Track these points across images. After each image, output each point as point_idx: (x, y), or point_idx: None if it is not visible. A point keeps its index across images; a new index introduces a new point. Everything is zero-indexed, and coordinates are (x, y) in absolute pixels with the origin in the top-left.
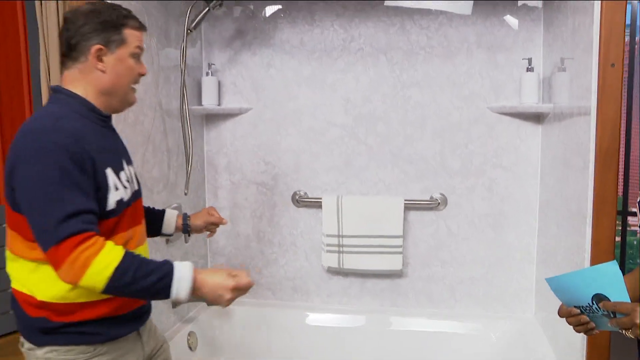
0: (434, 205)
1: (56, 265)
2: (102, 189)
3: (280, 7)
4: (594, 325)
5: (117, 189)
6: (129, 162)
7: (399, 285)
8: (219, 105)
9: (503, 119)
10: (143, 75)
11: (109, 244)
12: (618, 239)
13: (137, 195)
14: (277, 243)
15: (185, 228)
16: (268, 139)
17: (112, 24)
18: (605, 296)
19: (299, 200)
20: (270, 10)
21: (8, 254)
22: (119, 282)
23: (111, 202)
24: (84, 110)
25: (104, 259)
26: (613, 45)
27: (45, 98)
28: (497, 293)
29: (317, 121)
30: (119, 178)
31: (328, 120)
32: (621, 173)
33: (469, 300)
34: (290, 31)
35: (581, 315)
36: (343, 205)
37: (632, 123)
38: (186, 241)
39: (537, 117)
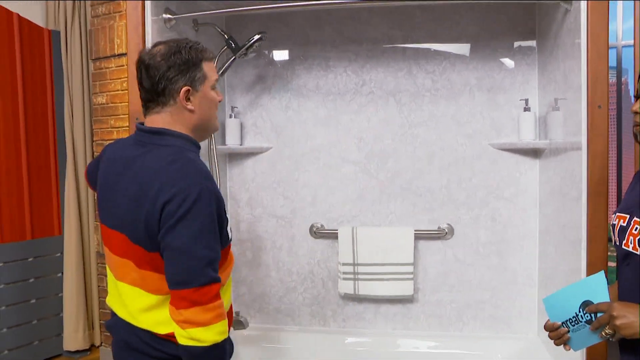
0: (442, 234)
1: (188, 304)
2: (225, 224)
3: (297, 54)
4: (568, 336)
5: (227, 222)
6: None
7: (411, 310)
8: (241, 144)
9: (503, 154)
10: (220, 101)
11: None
12: (613, 264)
13: None
14: (295, 272)
15: None
16: (287, 175)
17: (193, 62)
18: (591, 302)
19: (316, 232)
20: (287, 57)
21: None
22: (222, 351)
23: (229, 232)
24: (193, 147)
25: (224, 326)
26: (599, 89)
27: (69, 126)
28: (502, 315)
29: (332, 158)
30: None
31: (342, 157)
32: (614, 201)
33: (475, 322)
34: (307, 76)
35: (561, 328)
36: (358, 235)
37: (622, 155)
38: None
39: (534, 152)
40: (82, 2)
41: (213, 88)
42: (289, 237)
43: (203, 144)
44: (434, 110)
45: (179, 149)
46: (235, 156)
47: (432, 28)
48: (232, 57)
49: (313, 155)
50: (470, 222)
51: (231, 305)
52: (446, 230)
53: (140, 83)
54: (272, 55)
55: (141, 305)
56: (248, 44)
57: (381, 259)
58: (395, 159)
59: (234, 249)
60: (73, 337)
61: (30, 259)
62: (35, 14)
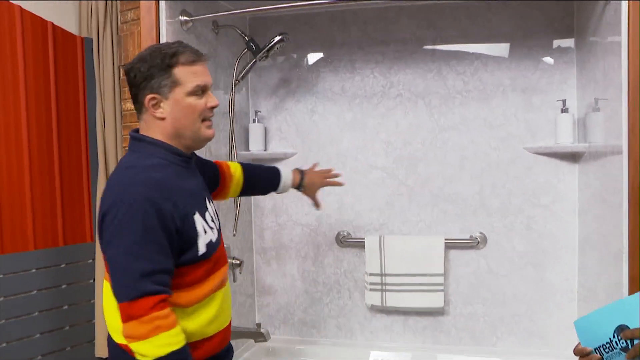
0: (474, 243)
1: (125, 318)
2: (192, 237)
3: (322, 56)
4: None
5: (205, 232)
6: (209, 199)
7: (441, 323)
8: (265, 150)
9: (540, 159)
10: (213, 107)
11: (179, 327)
12: None
13: (220, 230)
14: (321, 282)
15: (299, 187)
16: None
17: (159, 68)
18: (627, 326)
19: (343, 241)
20: (312, 59)
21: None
22: None
23: (201, 247)
24: (169, 154)
25: (169, 338)
26: None
27: (100, 132)
28: (538, 330)
29: (359, 164)
30: (205, 220)
31: (370, 162)
32: None
33: (510, 337)
34: (332, 79)
35: (593, 355)
36: (385, 244)
37: None
38: (234, 280)
39: (573, 157)
40: (113, 9)
41: (195, 94)
42: (314, 246)
43: (223, 150)
44: (466, 113)
45: (143, 156)
46: (260, 162)
47: (463, 27)
48: (253, 60)
49: (339, 161)
50: (505, 231)
51: (230, 322)
52: (479, 239)
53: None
54: (297, 58)
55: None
56: (268, 46)
57: (410, 269)
58: (424, 164)
59: (257, 257)
60: (104, 344)
61: (62, 265)
62: (69, 22)
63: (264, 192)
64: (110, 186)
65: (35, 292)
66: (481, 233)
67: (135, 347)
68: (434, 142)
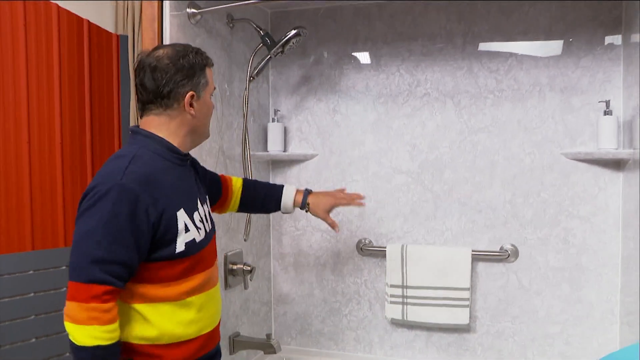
0: (504, 256)
1: (68, 297)
2: (169, 233)
3: (345, 52)
4: None
5: (187, 230)
6: (204, 201)
7: (467, 340)
8: (284, 151)
9: (579, 165)
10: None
11: (116, 324)
12: None
13: (211, 234)
14: (340, 292)
15: (303, 207)
16: (333, 186)
17: (200, 67)
18: None
19: (363, 249)
20: (335, 55)
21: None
22: (88, 355)
23: (180, 245)
24: (162, 150)
25: (101, 332)
26: None
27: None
28: (574, 353)
29: (382, 167)
30: (192, 219)
31: (394, 166)
32: None
33: None
34: (356, 77)
35: None
36: (408, 254)
37: None
38: (246, 287)
39: (616, 164)
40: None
41: (211, 95)
42: (334, 253)
43: (237, 150)
44: (498, 114)
45: (134, 148)
46: (278, 164)
47: (497, 21)
48: (266, 55)
49: (361, 164)
50: (538, 244)
51: (215, 328)
52: (509, 252)
53: (141, 84)
54: (319, 54)
55: None
56: (283, 40)
57: (434, 282)
58: (452, 169)
59: (275, 263)
60: None
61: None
62: (107, 20)
63: (266, 210)
64: (98, 173)
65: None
66: (512, 245)
67: (69, 327)
68: (463, 145)
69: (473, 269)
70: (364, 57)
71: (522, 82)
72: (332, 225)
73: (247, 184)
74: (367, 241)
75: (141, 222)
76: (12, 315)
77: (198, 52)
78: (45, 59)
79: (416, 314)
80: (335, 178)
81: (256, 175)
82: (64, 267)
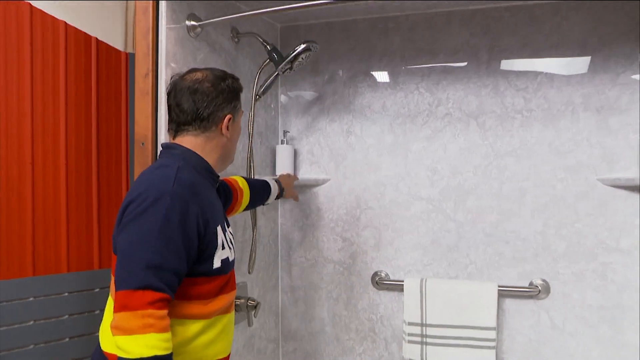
0: (534, 293)
1: (118, 307)
2: (209, 247)
3: (360, 69)
4: None
5: (223, 247)
6: (229, 224)
7: None
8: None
9: (618, 193)
10: None
11: (170, 334)
12: None
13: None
14: (354, 329)
15: (280, 195)
16: (347, 213)
17: (237, 91)
18: None
19: (380, 282)
20: (349, 72)
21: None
22: None
23: (217, 261)
24: (201, 167)
25: (158, 341)
26: None
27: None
28: None
29: (400, 194)
30: (225, 237)
31: (412, 193)
32: None
33: None
34: (372, 95)
35: None
36: (427, 289)
37: None
38: (250, 324)
39: None
40: None
41: (240, 119)
42: (347, 287)
43: (241, 174)
44: (527, 136)
45: (175, 160)
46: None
47: (526, 34)
48: (274, 72)
49: (377, 190)
50: (573, 279)
51: (228, 356)
52: (540, 287)
53: (177, 106)
54: (332, 71)
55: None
56: (292, 55)
57: (456, 320)
58: (477, 196)
59: (283, 297)
60: None
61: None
62: (116, 37)
63: (258, 205)
64: (140, 181)
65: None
66: (543, 281)
67: (120, 341)
68: (489, 170)
69: (500, 306)
70: (380, 74)
71: (553, 101)
72: (297, 197)
73: (249, 182)
74: (383, 274)
75: (191, 231)
76: (10, 345)
77: (234, 77)
78: (52, 78)
79: (436, 355)
80: (348, 205)
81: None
82: (66, 294)
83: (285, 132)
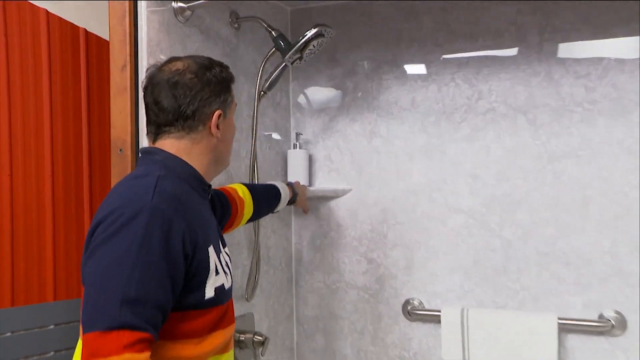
0: (606, 327)
1: (90, 355)
2: (200, 273)
3: (385, 58)
4: None
5: (217, 272)
6: (224, 243)
7: None
8: (309, 185)
9: None
10: None
11: None
12: None
13: (232, 282)
14: None
15: (293, 200)
16: (372, 229)
17: (228, 81)
18: None
19: (412, 312)
20: (372, 62)
21: None
22: None
23: (210, 289)
24: (187, 176)
25: None
26: None
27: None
28: None
29: (435, 205)
30: (219, 260)
31: (449, 204)
32: None
33: None
34: (399, 89)
35: None
36: (470, 321)
37: None
38: (262, 354)
39: None
40: None
41: (233, 115)
42: (374, 318)
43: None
44: (589, 134)
45: (156, 168)
46: None
47: (585, 10)
48: (281, 63)
49: (408, 201)
50: None
51: None
52: (613, 321)
53: (156, 103)
54: (352, 61)
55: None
56: (301, 41)
57: (505, 359)
58: (528, 207)
59: (299, 329)
60: None
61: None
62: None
63: (265, 213)
64: (113, 195)
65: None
66: (617, 313)
67: None
68: (542, 175)
69: (561, 343)
70: (409, 64)
71: (624, 89)
72: (307, 209)
73: (252, 188)
74: (416, 302)
75: (177, 254)
76: None
77: (222, 65)
78: (32, 74)
79: None
80: (374, 219)
81: (274, 217)
82: (51, 327)
83: (298, 135)
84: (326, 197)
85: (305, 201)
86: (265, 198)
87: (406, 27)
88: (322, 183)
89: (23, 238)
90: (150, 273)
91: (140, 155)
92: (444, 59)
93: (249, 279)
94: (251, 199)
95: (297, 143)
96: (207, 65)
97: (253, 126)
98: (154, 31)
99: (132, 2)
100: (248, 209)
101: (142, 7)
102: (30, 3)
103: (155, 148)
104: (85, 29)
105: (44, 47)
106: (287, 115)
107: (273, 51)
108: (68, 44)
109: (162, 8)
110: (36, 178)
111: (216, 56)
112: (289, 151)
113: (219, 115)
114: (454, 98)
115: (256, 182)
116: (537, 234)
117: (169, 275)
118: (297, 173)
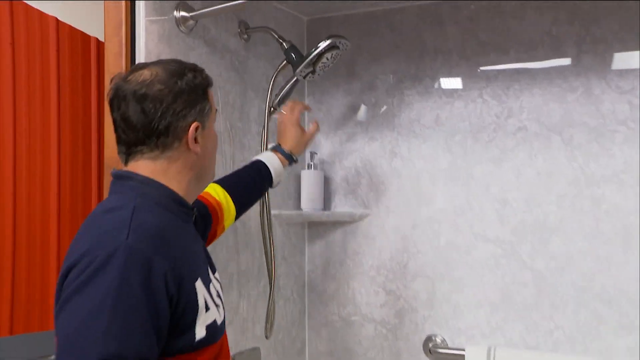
0: None
1: None
2: (188, 313)
3: (407, 71)
4: None
5: (207, 308)
6: (214, 269)
7: None
8: (324, 209)
9: None
10: None
11: None
12: None
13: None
14: None
15: (290, 159)
16: (391, 258)
17: (203, 88)
18: None
19: (433, 350)
20: (393, 76)
21: None
22: None
23: (200, 329)
24: (167, 201)
25: None
26: None
27: None
28: None
29: (460, 233)
30: (209, 293)
31: (476, 232)
32: None
33: None
34: (422, 105)
35: None
36: None
37: None
38: None
39: None
40: None
41: (214, 123)
42: (392, 355)
43: (253, 209)
44: (633, 156)
45: (130, 197)
46: (317, 227)
47: (629, 17)
48: (292, 77)
49: (430, 228)
50: None
51: None
52: None
53: (124, 120)
54: (371, 75)
55: None
56: (313, 54)
57: None
58: (563, 236)
59: None
60: None
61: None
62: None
63: (258, 197)
64: (83, 235)
65: None
66: None
67: None
68: (579, 201)
69: None
70: (433, 78)
71: None
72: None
73: (226, 184)
74: (438, 339)
75: (160, 298)
76: None
77: (196, 68)
78: (40, 86)
79: None
80: (393, 246)
81: (286, 242)
82: (52, 357)
83: (312, 154)
84: (342, 222)
85: (304, 145)
86: (249, 186)
87: (430, 38)
88: (338, 207)
89: (25, 266)
90: (131, 325)
91: (112, 180)
92: (471, 72)
93: (267, 316)
94: (229, 197)
95: (312, 163)
96: (178, 72)
97: (262, 144)
98: (153, 43)
99: (128, 10)
100: (229, 209)
101: (141, 16)
102: (40, 11)
103: (128, 172)
104: (97, 39)
105: (52, 57)
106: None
107: (284, 64)
108: (79, 54)
109: (162, 18)
110: (41, 200)
111: (221, 69)
112: (302, 172)
113: (197, 128)
114: (481, 115)
115: (267, 206)
116: (574, 267)
117: (152, 325)
118: (311, 195)
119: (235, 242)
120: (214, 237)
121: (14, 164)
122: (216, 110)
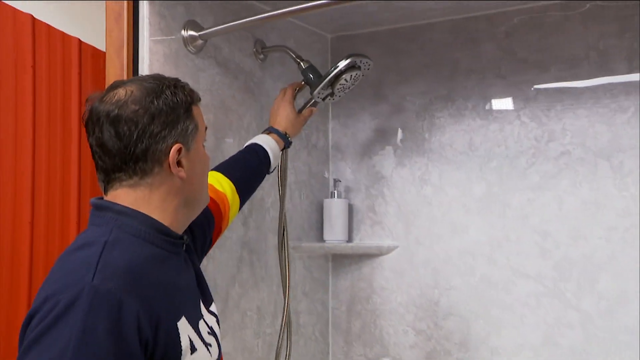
0: None
1: None
2: (169, 355)
3: (438, 91)
4: None
5: (194, 349)
6: (209, 301)
7: None
8: (349, 241)
9: None
10: None
11: None
12: None
13: (220, 352)
14: None
15: (286, 140)
16: (421, 294)
17: (185, 107)
18: None
19: None
20: (423, 97)
21: None
22: None
23: None
24: (148, 231)
25: None
26: None
27: None
28: None
29: (496, 268)
30: (197, 332)
31: (514, 267)
32: None
33: None
34: (454, 129)
35: None
36: None
37: None
38: None
39: None
40: None
41: (204, 143)
42: None
43: (270, 241)
44: None
45: (106, 231)
46: (341, 260)
47: None
48: (310, 99)
49: (463, 262)
50: None
51: None
52: None
53: (99, 145)
54: (399, 96)
55: None
56: (331, 74)
57: None
58: (613, 274)
59: None
60: None
61: None
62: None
63: (261, 181)
64: (51, 274)
65: None
66: None
67: None
68: (631, 234)
69: None
70: (466, 99)
71: None
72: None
73: (228, 170)
74: None
75: (131, 346)
76: None
77: (177, 84)
78: (61, 109)
79: None
80: (423, 281)
81: (307, 277)
82: None
83: (336, 182)
84: (369, 255)
85: (300, 125)
86: (253, 173)
87: (463, 56)
88: (364, 238)
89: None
90: None
91: (91, 210)
92: (507, 91)
93: (276, 356)
94: (234, 188)
95: (335, 191)
96: (155, 90)
97: (279, 174)
98: (159, 64)
99: (131, 29)
100: (233, 203)
101: (145, 36)
102: (62, 32)
103: (107, 201)
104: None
105: (74, 80)
106: (325, 158)
107: (303, 85)
108: (102, 76)
109: (168, 37)
110: (60, 228)
111: (234, 91)
112: (325, 200)
113: (179, 150)
114: (519, 139)
115: (286, 239)
116: (626, 308)
117: None
118: (334, 226)
119: (251, 275)
120: (219, 233)
121: (32, 190)
122: (206, 128)
